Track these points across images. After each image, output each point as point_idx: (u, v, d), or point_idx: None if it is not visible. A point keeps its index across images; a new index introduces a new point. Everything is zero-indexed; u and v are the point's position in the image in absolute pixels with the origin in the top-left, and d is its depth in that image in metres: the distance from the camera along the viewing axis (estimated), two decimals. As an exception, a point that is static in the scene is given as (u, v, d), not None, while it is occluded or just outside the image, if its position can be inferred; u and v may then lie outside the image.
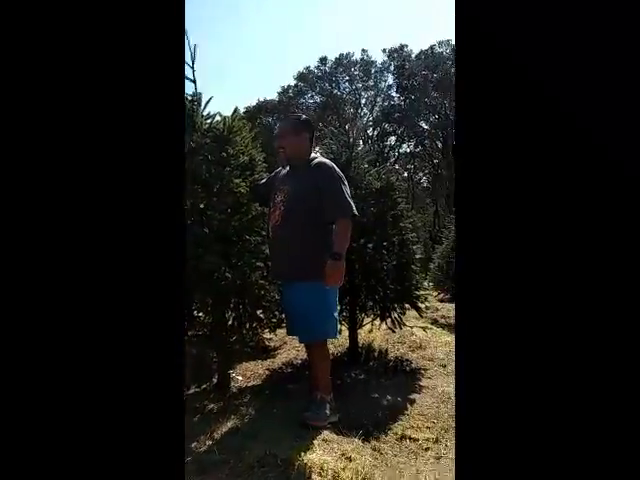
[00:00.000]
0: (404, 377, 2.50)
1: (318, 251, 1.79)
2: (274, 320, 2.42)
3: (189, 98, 2.19)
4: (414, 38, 43.10)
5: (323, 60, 23.58)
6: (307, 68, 23.74)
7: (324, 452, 1.52)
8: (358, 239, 2.50)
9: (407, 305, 2.84)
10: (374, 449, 1.65)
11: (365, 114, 23.53)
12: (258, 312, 2.33)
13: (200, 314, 2.19)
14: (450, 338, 3.29)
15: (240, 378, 2.42)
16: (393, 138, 23.46)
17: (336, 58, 23.48)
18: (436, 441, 1.76)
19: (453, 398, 2.12)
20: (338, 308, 1.97)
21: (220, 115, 2.23)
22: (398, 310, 2.79)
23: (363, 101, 23.97)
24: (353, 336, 2.83)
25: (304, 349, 2.93)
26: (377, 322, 2.89)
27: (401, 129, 22.44)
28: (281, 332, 2.85)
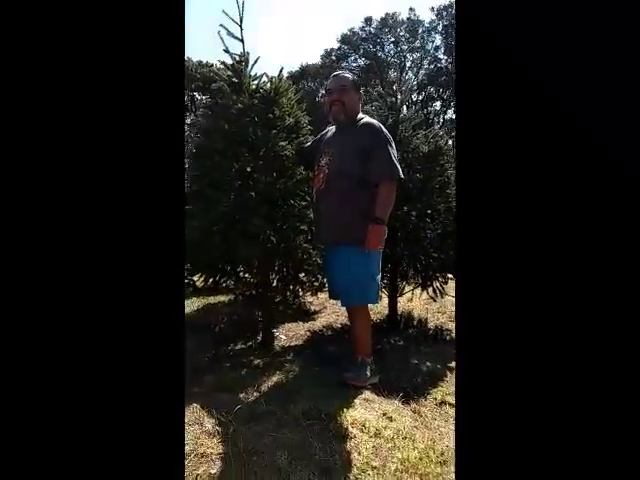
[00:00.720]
0: (444, 346, 2.49)
1: (362, 215, 1.77)
2: (316, 284, 2.46)
3: (237, 58, 2.17)
4: (466, -7, 39.84)
5: (368, 20, 22.50)
6: (351, 30, 22.79)
7: (365, 410, 1.56)
8: (402, 206, 2.44)
9: (449, 275, 2.79)
10: (414, 411, 1.67)
11: (410, 78, 22.46)
12: (301, 275, 2.38)
13: (246, 275, 2.25)
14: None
15: (283, 337, 2.51)
16: (438, 103, 22.36)
17: (382, 18, 22.32)
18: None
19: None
20: (380, 274, 1.96)
21: (267, 76, 2.20)
22: (440, 279, 2.75)
23: (408, 64, 22.85)
24: (393, 304, 2.84)
25: (343, 313, 2.99)
26: (417, 291, 2.87)
27: (447, 93, 21.30)
28: (322, 296, 2.90)
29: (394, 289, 2.80)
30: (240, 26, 2.15)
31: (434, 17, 21.75)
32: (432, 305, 3.14)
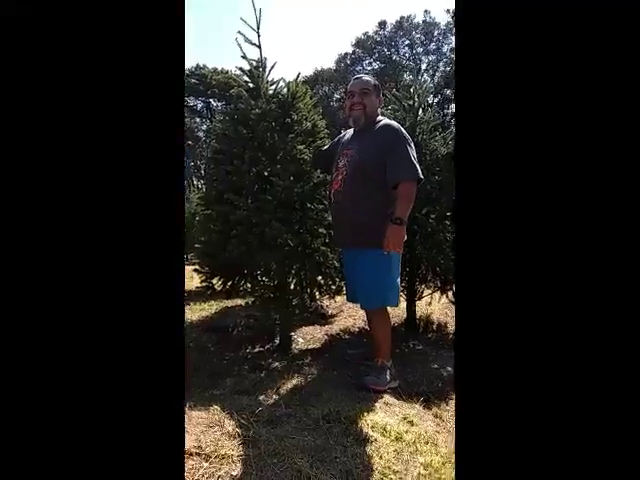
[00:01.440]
0: (464, 350, 2.44)
1: (380, 217, 1.76)
2: (333, 287, 2.45)
3: (254, 64, 2.19)
4: (482, -6, 39.45)
5: (382, 24, 22.52)
6: (365, 34, 22.83)
7: (386, 414, 1.54)
8: (420, 209, 2.42)
9: (470, 278, 2.74)
10: (435, 416, 1.65)
11: (425, 80, 22.33)
12: (318, 278, 2.37)
13: (264, 278, 2.27)
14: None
15: (301, 340, 2.51)
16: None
17: (396, 21, 22.31)
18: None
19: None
20: (399, 276, 1.95)
21: (284, 81, 2.23)
22: (460, 283, 2.70)
23: (424, 66, 22.73)
24: (411, 307, 2.81)
25: (361, 317, 2.97)
26: (437, 294, 2.83)
27: (464, 96, 21.00)
28: (338, 299, 2.89)
29: (413, 292, 2.77)
30: (257, 32, 2.17)
31: (450, 19, 21.62)
32: (451, 309, 3.09)
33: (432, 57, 22.45)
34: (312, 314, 2.93)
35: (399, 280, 1.93)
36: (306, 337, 2.59)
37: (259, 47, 2.20)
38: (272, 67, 2.25)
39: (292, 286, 2.34)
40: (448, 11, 21.46)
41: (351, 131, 2.03)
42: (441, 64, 22.32)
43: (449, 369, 2.19)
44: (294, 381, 1.86)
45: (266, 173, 2.16)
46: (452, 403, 1.80)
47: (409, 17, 22.14)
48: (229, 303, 3.47)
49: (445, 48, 22.02)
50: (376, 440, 1.35)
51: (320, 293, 2.48)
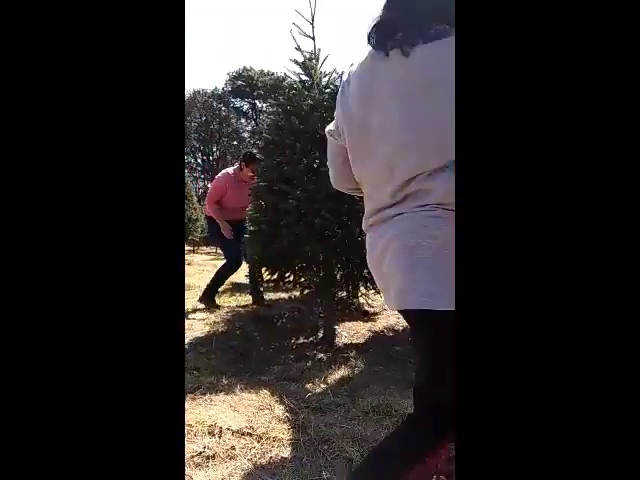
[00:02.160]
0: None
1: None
2: (379, 282, 2.42)
3: (307, 55, 2.20)
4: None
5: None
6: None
7: (437, 410, 1.49)
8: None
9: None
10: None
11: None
12: (364, 272, 2.34)
13: (313, 267, 2.27)
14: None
15: (345, 334, 2.49)
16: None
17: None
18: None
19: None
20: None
21: (336, 72, 2.22)
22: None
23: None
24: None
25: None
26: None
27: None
28: (381, 297, 2.84)
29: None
30: (312, 24, 2.18)
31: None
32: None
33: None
34: (355, 310, 2.90)
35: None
36: (350, 332, 2.56)
37: (313, 39, 2.20)
38: (325, 59, 2.25)
39: (338, 278, 2.33)
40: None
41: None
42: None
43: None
44: (340, 372, 1.84)
45: (315, 165, 2.16)
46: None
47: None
48: (272, 296, 3.51)
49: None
50: (428, 435, 1.31)
51: (366, 288, 2.45)
